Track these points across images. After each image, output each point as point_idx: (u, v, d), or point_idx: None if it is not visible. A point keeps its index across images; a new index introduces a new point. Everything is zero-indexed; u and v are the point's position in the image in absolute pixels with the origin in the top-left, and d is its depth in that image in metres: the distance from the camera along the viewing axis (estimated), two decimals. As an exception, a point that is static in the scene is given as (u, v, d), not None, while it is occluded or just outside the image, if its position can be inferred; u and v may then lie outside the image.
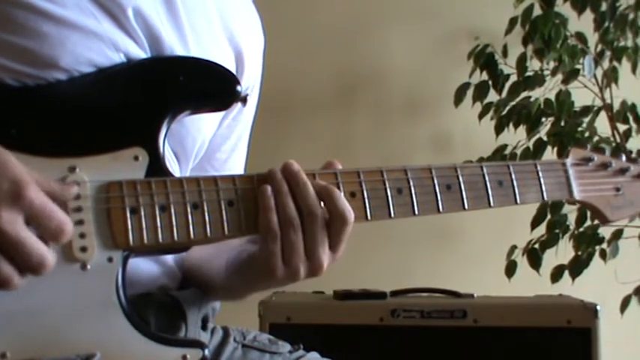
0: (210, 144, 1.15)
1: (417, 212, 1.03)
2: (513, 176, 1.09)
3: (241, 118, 1.19)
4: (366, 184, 1.01)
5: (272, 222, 0.94)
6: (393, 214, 1.02)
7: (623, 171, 1.19)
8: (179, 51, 1.03)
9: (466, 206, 1.06)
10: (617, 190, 1.18)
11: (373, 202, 1.01)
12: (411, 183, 1.03)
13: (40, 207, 0.84)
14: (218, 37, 1.11)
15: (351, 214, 0.96)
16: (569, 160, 1.16)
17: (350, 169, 1.01)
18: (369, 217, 1.01)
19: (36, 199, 0.84)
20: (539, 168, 1.12)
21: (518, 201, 1.10)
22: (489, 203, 1.07)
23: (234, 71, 1.14)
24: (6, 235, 0.82)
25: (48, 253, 0.84)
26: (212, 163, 1.18)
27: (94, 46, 0.97)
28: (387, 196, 1.02)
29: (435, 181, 1.04)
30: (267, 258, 0.95)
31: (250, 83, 1.19)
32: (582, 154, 1.18)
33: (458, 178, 1.06)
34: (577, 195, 1.15)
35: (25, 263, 0.83)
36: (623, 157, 1.20)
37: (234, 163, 1.22)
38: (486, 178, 1.07)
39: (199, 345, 0.94)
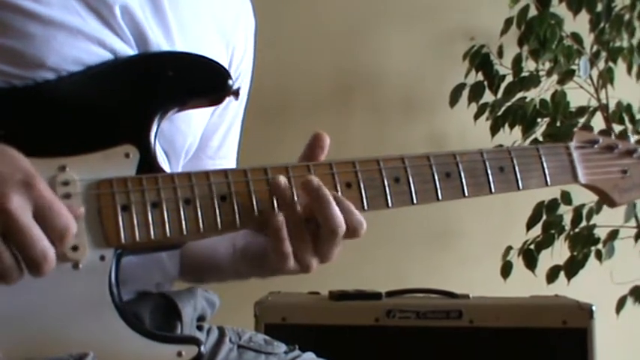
0: (203, 134, 1.15)
1: (415, 201, 1.01)
2: (515, 161, 1.07)
3: (232, 105, 1.18)
4: (361, 174, 0.99)
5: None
6: (390, 204, 1.00)
7: (630, 152, 1.15)
8: (165, 48, 1.02)
9: (466, 193, 1.04)
10: (624, 172, 1.15)
11: (370, 192, 0.99)
12: (409, 171, 1.01)
13: (49, 200, 0.83)
14: (207, 29, 1.11)
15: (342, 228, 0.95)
16: (573, 143, 1.13)
17: (345, 159, 1.00)
18: (365, 208, 0.99)
19: (46, 192, 0.83)
20: (541, 152, 1.10)
21: (520, 187, 1.07)
22: (490, 190, 1.05)
23: (225, 63, 1.14)
24: (15, 221, 0.81)
25: (51, 250, 0.83)
26: (206, 152, 1.18)
27: (81, 44, 0.96)
28: (384, 186, 1.00)
29: (434, 169, 1.02)
30: (278, 258, 0.95)
31: (242, 68, 1.19)
32: (587, 137, 1.14)
33: (457, 166, 1.04)
34: (582, 178, 1.12)
35: (29, 256, 0.82)
36: (631, 139, 1.17)
37: (227, 149, 1.22)
38: (487, 164, 1.05)
39: (194, 341, 0.93)
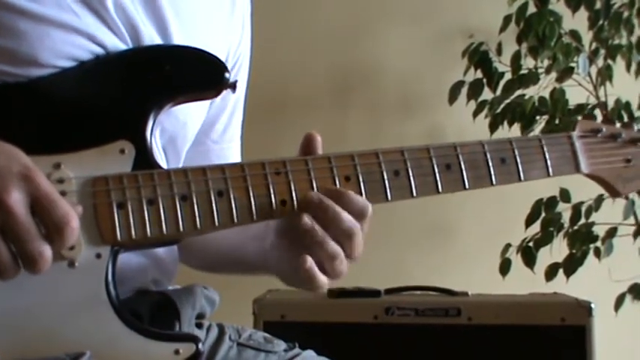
0: (206, 119, 1.14)
1: (415, 194, 1.00)
2: (516, 152, 1.05)
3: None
4: (360, 168, 0.99)
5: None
6: (390, 198, 0.99)
7: (634, 141, 1.12)
8: (158, 41, 1.01)
9: (467, 186, 1.02)
10: (628, 161, 1.12)
11: (369, 185, 0.98)
12: (409, 164, 1.00)
13: (47, 192, 0.82)
14: (205, 18, 1.09)
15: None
16: (575, 133, 1.11)
17: (344, 152, 0.99)
18: None
19: (44, 183, 0.82)
20: (543, 142, 1.07)
21: (522, 178, 1.05)
22: (491, 182, 1.04)
23: (226, 52, 1.13)
24: (13, 216, 0.80)
25: (48, 247, 0.82)
26: (210, 136, 1.18)
27: (75, 41, 0.95)
28: (384, 179, 0.99)
29: (434, 161, 1.01)
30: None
31: (241, 50, 1.18)
32: (590, 126, 1.12)
33: (458, 157, 1.02)
34: (584, 168, 1.10)
35: (25, 251, 0.81)
36: (635, 128, 1.13)
37: (232, 132, 1.21)
38: (488, 156, 1.03)
39: (192, 339, 0.92)
